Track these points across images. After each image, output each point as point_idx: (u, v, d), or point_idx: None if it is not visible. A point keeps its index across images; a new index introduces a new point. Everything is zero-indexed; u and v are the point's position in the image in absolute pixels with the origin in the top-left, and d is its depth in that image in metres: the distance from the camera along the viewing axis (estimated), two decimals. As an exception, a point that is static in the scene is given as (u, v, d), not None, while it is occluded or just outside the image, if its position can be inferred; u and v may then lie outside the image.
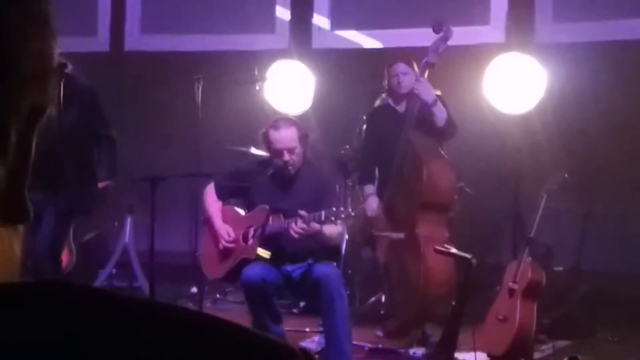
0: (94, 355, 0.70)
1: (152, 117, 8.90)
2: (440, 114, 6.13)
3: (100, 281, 7.82)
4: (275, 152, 5.53)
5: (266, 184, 5.58)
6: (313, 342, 5.89)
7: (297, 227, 5.22)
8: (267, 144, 5.60)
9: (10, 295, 0.73)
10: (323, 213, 5.18)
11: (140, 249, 7.72)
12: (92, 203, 6.00)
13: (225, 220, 5.69)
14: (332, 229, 5.38)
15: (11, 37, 0.74)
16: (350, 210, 5.25)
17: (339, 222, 5.35)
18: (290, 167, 5.51)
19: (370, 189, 6.49)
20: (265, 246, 5.48)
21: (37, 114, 0.78)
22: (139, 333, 0.72)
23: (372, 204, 6.33)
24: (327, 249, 5.57)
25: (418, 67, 6.22)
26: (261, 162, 5.79)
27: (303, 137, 5.56)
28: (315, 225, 5.24)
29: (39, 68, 0.76)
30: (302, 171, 5.58)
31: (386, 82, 6.54)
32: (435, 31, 6.12)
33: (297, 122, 5.76)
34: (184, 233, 7.36)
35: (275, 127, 5.56)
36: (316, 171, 5.72)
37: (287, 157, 5.48)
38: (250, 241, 5.57)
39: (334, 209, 5.21)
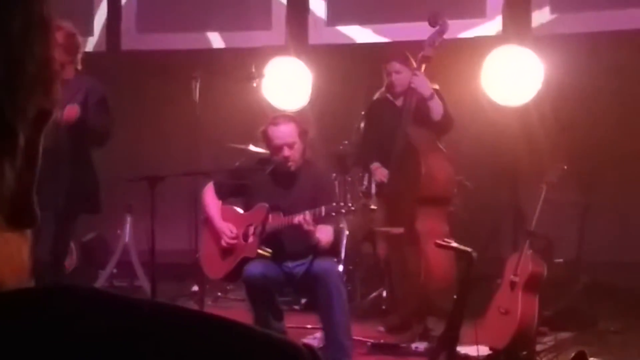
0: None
1: (150, 116, 8.88)
2: (436, 108, 6.14)
3: (101, 281, 7.81)
4: (275, 149, 5.53)
5: (265, 182, 5.57)
6: (315, 339, 5.88)
7: (301, 217, 5.20)
8: (267, 140, 5.61)
9: (16, 301, 0.73)
10: (323, 209, 5.19)
11: (140, 249, 7.72)
12: (93, 203, 5.97)
13: (225, 220, 5.69)
14: (324, 237, 5.38)
15: (16, 43, 0.75)
16: (350, 205, 5.26)
17: (333, 222, 5.35)
18: (290, 163, 5.51)
19: (375, 164, 6.49)
20: (265, 244, 5.48)
21: (44, 118, 0.79)
22: (142, 336, 0.72)
23: (382, 170, 6.35)
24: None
25: (415, 61, 6.23)
26: (261, 160, 5.79)
27: (302, 133, 5.57)
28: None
29: (44, 72, 0.78)
30: (301, 170, 5.58)
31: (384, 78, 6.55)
32: (431, 24, 6.12)
33: (296, 118, 5.77)
34: (184, 231, 7.35)
35: (275, 123, 5.57)
36: (315, 170, 5.72)
37: (287, 152, 5.48)
38: (251, 239, 5.57)
39: (334, 204, 5.23)
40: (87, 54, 5.87)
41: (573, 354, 1.39)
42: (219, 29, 9.21)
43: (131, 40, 9.51)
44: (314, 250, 5.44)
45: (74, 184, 5.66)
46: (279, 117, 5.75)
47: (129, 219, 7.97)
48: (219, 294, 7.69)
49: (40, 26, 0.77)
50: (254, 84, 7.27)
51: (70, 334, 0.71)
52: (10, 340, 0.70)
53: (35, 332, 0.70)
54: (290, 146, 5.49)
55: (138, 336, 0.72)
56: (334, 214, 5.24)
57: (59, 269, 5.82)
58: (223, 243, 5.61)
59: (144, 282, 7.72)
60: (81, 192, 5.77)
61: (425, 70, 6.13)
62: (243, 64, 7.27)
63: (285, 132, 5.51)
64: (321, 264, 5.36)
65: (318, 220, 5.27)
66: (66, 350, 0.70)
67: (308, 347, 0.77)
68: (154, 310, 0.75)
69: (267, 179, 5.57)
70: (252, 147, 6.70)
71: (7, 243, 0.78)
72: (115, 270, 8.02)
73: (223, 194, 5.76)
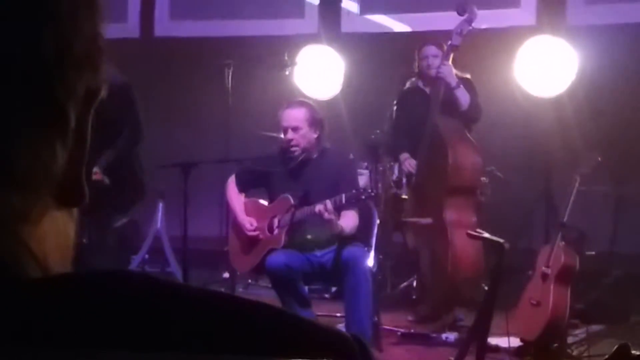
0: (157, 344, 0.71)
1: (183, 103, 8.91)
2: (463, 98, 6.14)
3: (133, 267, 7.85)
4: (282, 131, 5.54)
5: (286, 171, 5.56)
6: (344, 327, 5.90)
7: (322, 206, 5.18)
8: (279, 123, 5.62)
9: (69, 285, 0.73)
10: (344, 196, 5.17)
11: (172, 235, 7.75)
12: (130, 202, 6.02)
13: (248, 213, 5.70)
14: (348, 223, 5.37)
15: (65, 22, 0.76)
16: (370, 190, 5.24)
17: (356, 207, 5.34)
18: (293, 148, 5.48)
19: (404, 155, 6.49)
20: (290, 234, 5.48)
21: (92, 96, 0.79)
22: (199, 322, 0.73)
23: (411, 161, 6.38)
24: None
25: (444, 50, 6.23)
26: (282, 149, 5.77)
27: (315, 121, 5.51)
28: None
29: (92, 50, 0.78)
30: (319, 158, 5.56)
31: (416, 64, 6.53)
32: (459, 13, 6.12)
33: (312, 105, 5.72)
34: (216, 218, 7.38)
35: (287, 106, 5.59)
36: (334, 158, 5.67)
37: (290, 135, 5.45)
38: (276, 231, 5.57)
39: (354, 191, 5.21)
40: (120, 40, 5.86)
41: (616, 347, 1.36)
42: (252, 16, 9.21)
43: (164, 27, 9.54)
44: (340, 237, 5.43)
45: (130, 174, 5.73)
46: (294, 101, 5.76)
47: (161, 205, 8.01)
48: (250, 281, 7.71)
49: (88, 6, 0.78)
50: (286, 72, 7.27)
51: (125, 319, 0.71)
52: (67, 324, 0.71)
53: (90, 316, 0.71)
54: (294, 130, 5.46)
55: (191, 322, 0.73)
56: (354, 200, 5.23)
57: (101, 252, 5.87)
58: (246, 238, 5.63)
59: (175, 269, 7.76)
60: (136, 183, 5.84)
61: (452, 59, 6.13)
62: (275, 52, 7.27)
63: (291, 115, 5.50)
64: (350, 250, 5.35)
65: (340, 207, 5.26)
66: (122, 334, 0.71)
67: (356, 337, 0.77)
68: (205, 296, 0.76)
69: (287, 168, 5.56)
70: (282, 135, 6.70)
71: (55, 220, 0.79)
72: (147, 256, 8.06)
73: (245, 185, 5.77)
